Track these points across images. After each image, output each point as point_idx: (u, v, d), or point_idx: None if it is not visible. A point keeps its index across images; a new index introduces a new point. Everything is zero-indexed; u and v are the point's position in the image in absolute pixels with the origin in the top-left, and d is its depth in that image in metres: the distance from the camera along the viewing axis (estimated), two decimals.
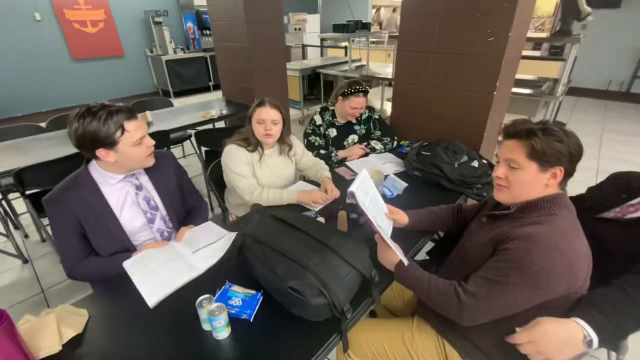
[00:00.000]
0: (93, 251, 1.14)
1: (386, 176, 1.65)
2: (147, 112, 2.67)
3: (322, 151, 1.98)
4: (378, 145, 2.04)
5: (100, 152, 1.06)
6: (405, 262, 0.98)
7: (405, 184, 1.61)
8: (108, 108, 1.04)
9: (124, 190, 1.18)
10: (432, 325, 1.04)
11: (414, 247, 1.23)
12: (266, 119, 1.48)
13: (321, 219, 1.30)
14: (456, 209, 1.26)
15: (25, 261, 2.26)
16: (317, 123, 2.03)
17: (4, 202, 2.30)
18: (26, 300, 1.97)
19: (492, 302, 0.81)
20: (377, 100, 4.87)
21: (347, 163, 1.92)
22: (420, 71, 2.04)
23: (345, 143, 2.08)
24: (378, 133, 2.11)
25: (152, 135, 2.30)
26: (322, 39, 7.02)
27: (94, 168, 1.14)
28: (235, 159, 1.50)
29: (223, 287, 0.99)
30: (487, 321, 0.84)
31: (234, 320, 0.89)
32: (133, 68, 6.38)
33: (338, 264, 0.88)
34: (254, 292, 0.97)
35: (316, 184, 1.64)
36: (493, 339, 0.89)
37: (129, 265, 1.07)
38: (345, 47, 6.28)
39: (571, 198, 1.33)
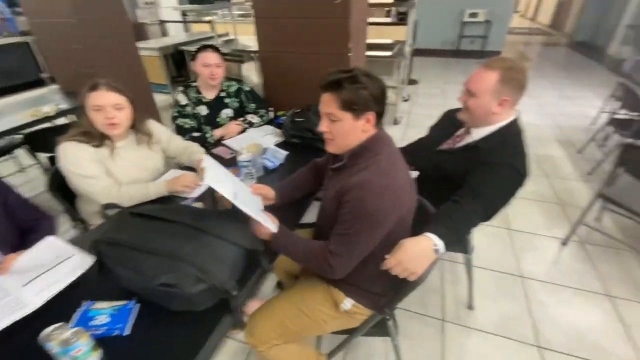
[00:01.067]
0: None
1: (265, 149, 1.63)
2: None
3: (195, 134, 1.81)
4: (255, 119, 1.98)
5: None
6: (275, 229, 0.98)
7: (286, 152, 1.63)
8: None
9: None
10: (315, 275, 1.09)
11: (301, 211, 1.26)
12: (104, 105, 1.21)
13: (198, 204, 1.20)
14: (312, 166, 1.29)
15: None
16: (182, 103, 1.83)
17: None
18: None
19: (352, 253, 0.89)
20: (253, 75, 4.71)
21: (224, 142, 1.81)
22: (280, 38, 2.02)
23: (218, 119, 1.94)
24: (252, 106, 2.04)
25: None
26: (184, 13, 6.29)
27: None
28: (76, 159, 1.22)
29: (80, 308, 0.82)
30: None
31: (104, 341, 0.76)
32: None
33: (215, 245, 0.82)
34: (124, 302, 0.84)
35: (193, 169, 1.50)
36: (361, 275, 0.99)
37: None
38: (210, 22, 5.78)
39: (420, 139, 1.57)
